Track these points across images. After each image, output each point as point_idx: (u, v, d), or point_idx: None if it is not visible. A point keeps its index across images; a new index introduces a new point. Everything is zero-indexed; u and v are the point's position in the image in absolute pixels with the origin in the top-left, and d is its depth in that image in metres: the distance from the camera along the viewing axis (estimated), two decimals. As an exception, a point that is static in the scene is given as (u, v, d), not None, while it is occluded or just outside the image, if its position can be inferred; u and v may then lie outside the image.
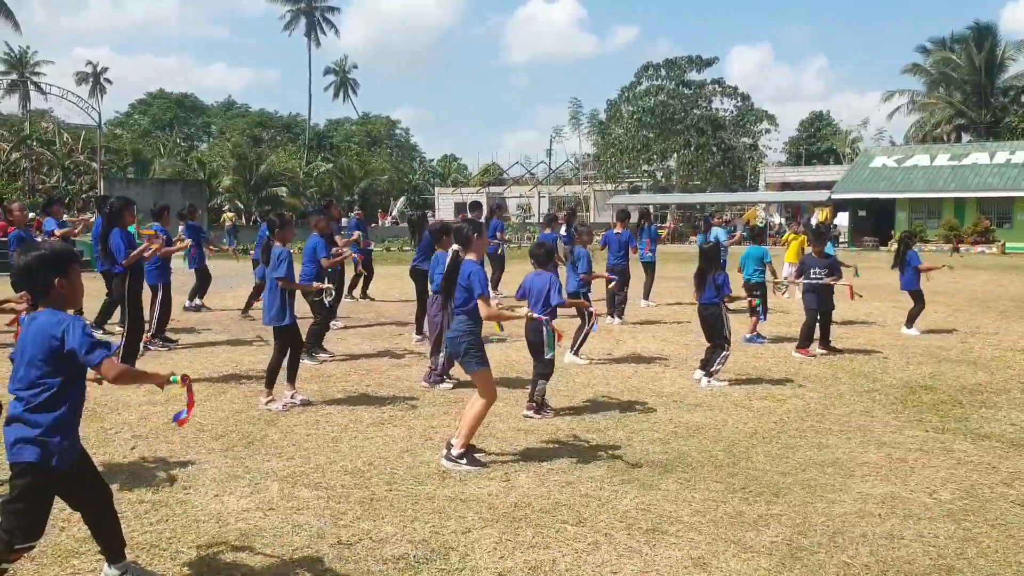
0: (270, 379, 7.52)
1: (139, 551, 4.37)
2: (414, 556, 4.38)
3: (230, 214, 43.35)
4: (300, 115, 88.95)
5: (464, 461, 5.82)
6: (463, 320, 5.95)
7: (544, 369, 7.26)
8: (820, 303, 10.42)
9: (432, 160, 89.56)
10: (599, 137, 62.96)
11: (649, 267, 15.44)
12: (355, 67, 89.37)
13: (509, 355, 9.79)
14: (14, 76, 72.19)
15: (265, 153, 62.28)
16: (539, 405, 7.28)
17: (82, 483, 3.77)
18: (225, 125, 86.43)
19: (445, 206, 59.95)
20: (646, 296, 15.44)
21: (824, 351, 10.57)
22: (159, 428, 6.77)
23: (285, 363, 7.56)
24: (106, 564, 3.98)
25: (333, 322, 11.55)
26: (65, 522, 4.67)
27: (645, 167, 58.82)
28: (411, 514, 4.97)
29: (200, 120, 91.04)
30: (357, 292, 16.04)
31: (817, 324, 10.50)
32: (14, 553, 3.59)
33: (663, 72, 57.24)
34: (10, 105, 72.58)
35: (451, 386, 8.33)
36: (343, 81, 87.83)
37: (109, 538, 3.94)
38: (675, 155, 57.40)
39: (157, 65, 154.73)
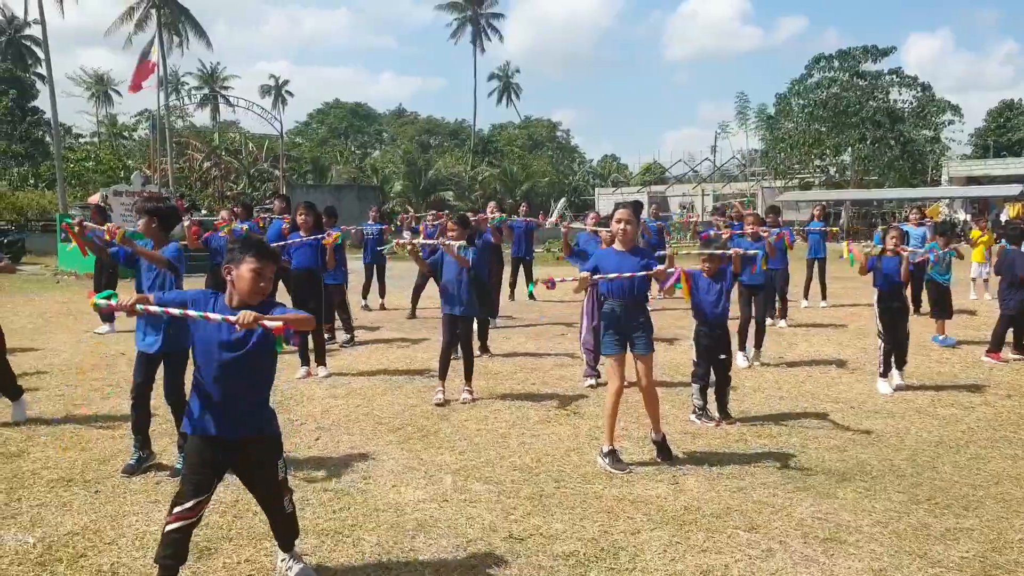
0: (442, 371, 7.86)
1: (324, 537, 4.64)
2: (584, 554, 4.42)
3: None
4: (465, 121, 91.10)
5: (607, 461, 5.85)
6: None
7: (694, 369, 7.20)
8: (1018, 304, 9.66)
9: (592, 160, 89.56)
10: (767, 132, 60.85)
11: (818, 265, 14.78)
12: (518, 71, 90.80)
13: (674, 358, 9.67)
14: (206, 90, 78.03)
15: (433, 158, 64.26)
16: (698, 411, 7.16)
17: (243, 468, 3.99)
18: (396, 132, 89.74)
19: (605, 206, 59.68)
20: (822, 296, 14.83)
21: (1018, 356, 9.82)
22: (341, 420, 7.14)
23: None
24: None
25: (492, 320, 11.84)
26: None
27: (817, 162, 56.36)
28: (579, 512, 5.01)
29: (372, 128, 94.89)
30: (518, 293, 16.25)
31: (1011, 327, 9.80)
32: (171, 515, 3.74)
33: (836, 63, 54.67)
34: (202, 118, 78.43)
35: (590, 384, 8.36)
36: (506, 86, 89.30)
37: (274, 528, 4.15)
38: (849, 149, 54.64)
39: (331, 76, 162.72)
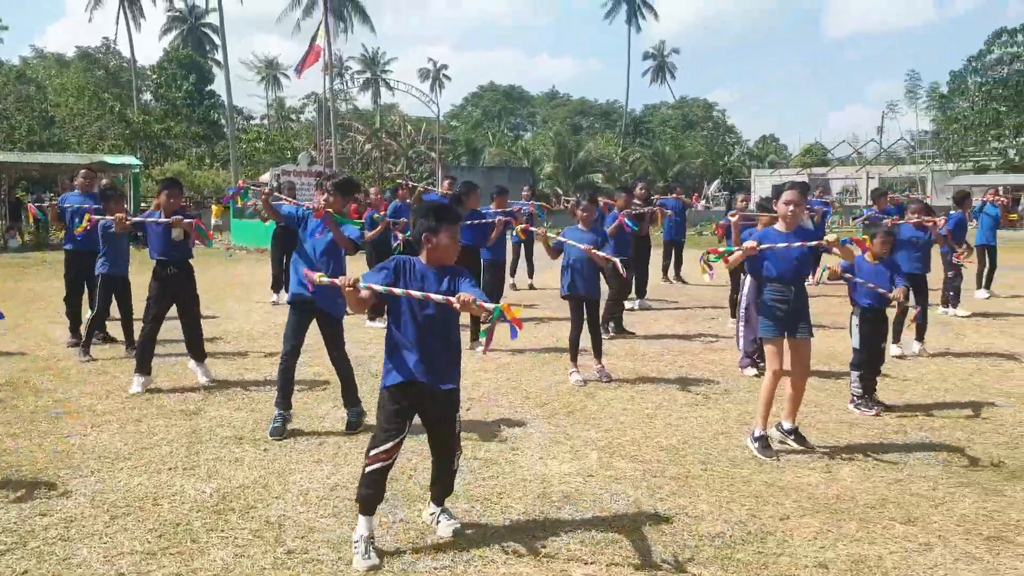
0: (573, 352, 7.92)
1: (473, 502, 4.80)
2: (730, 536, 4.38)
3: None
4: (618, 102, 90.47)
5: (756, 445, 5.74)
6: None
7: (855, 357, 6.97)
8: None
9: (749, 141, 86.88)
10: (939, 112, 57.31)
11: (988, 252, 13.94)
12: (676, 52, 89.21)
13: (832, 345, 9.34)
14: (368, 74, 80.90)
15: (584, 140, 64.19)
16: (856, 398, 6.93)
17: (430, 417, 4.26)
18: (548, 114, 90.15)
19: (762, 188, 57.83)
20: (986, 285, 13.95)
21: None
22: (490, 393, 7.33)
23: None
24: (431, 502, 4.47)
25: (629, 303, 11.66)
26: (412, 470, 5.25)
27: (995, 144, 52.61)
28: (727, 495, 4.96)
29: (525, 110, 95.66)
30: (671, 275, 16.09)
31: None
32: (369, 458, 4.10)
33: (1020, 37, 50.84)
34: (364, 101, 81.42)
35: (755, 374, 8.09)
36: (661, 65, 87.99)
37: (435, 481, 4.41)
38: (1033, 130, 50.73)
39: (489, 59, 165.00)
